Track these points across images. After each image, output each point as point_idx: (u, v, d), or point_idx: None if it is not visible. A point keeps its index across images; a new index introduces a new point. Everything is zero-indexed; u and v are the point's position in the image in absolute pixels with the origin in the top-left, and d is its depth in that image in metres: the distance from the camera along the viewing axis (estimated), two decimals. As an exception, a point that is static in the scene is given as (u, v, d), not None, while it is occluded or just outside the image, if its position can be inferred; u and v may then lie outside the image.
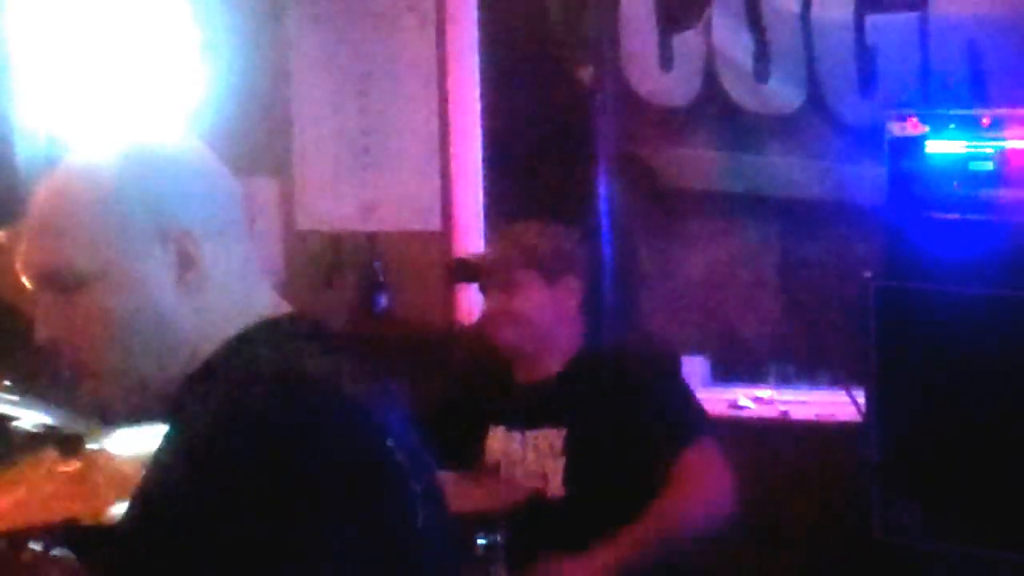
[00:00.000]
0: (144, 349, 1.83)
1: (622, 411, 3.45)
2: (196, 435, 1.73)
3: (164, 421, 1.85)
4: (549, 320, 3.58)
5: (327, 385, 1.77)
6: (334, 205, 5.33)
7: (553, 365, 3.61)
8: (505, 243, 3.70)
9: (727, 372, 5.14)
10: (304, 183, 5.36)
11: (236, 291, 1.88)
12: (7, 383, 3.90)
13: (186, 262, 1.83)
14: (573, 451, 3.48)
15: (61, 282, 1.83)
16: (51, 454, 3.87)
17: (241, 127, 5.11)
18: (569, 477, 3.46)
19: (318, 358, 1.82)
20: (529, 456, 3.53)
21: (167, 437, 1.83)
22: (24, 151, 5.24)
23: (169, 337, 1.83)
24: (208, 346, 1.84)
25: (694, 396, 3.62)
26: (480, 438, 3.62)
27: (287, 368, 1.79)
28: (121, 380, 1.85)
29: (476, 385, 3.80)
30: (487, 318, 3.68)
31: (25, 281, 1.90)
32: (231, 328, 1.85)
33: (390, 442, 1.79)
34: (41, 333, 1.86)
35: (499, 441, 3.59)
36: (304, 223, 5.36)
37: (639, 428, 3.42)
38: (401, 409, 1.89)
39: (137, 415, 1.92)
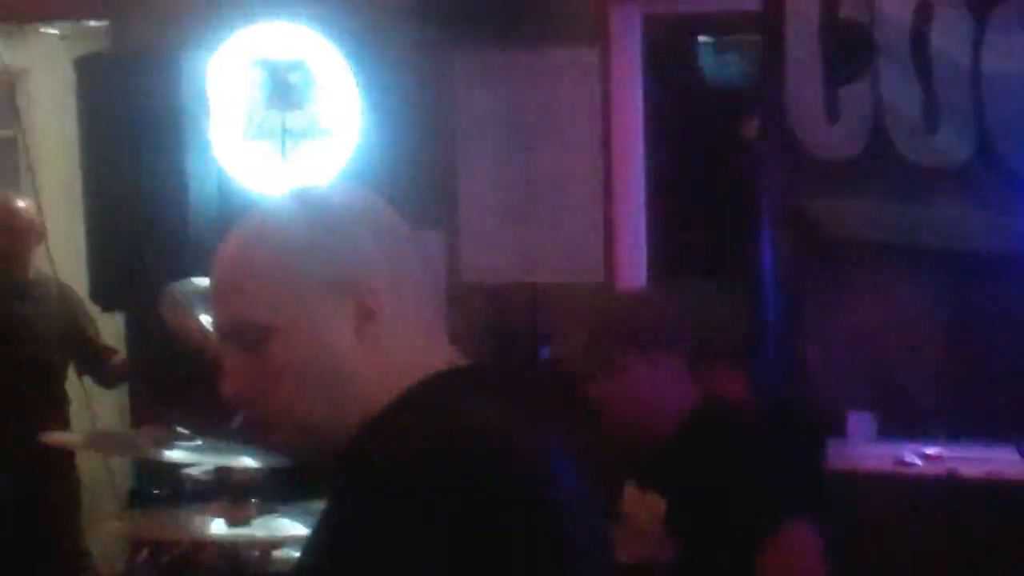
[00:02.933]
0: (324, 400, 1.87)
1: (714, 486, 3.28)
2: (366, 485, 1.77)
3: (338, 469, 1.89)
4: (653, 395, 3.46)
5: (498, 441, 1.79)
6: (498, 258, 5.37)
7: (663, 432, 3.49)
8: (600, 324, 3.61)
9: (894, 428, 5.08)
10: (469, 235, 5.41)
11: (413, 343, 1.91)
12: (183, 430, 3.99)
13: (364, 314, 1.87)
14: (674, 521, 3.40)
15: (245, 337, 1.87)
16: (222, 502, 3.95)
17: (407, 180, 5.18)
18: (674, 547, 3.40)
19: (491, 413, 1.84)
20: (646, 516, 3.45)
21: (338, 486, 1.86)
22: (196, 198, 5.36)
23: (348, 388, 1.87)
24: (386, 395, 1.87)
25: (799, 470, 3.42)
26: (620, 491, 3.58)
27: (458, 421, 1.80)
28: (300, 429, 1.89)
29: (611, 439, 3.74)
30: (598, 402, 3.58)
31: (197, 329, 1.96)
32: (407, 380, 1.88)
33: (561, 497, 1.80)
34: (228, 388, 1.91)
35: (631, 493, 3.54)
36: (469, 275, 5.41)
37: (727, 507, 3.24)
38: (575, 463, 1.90)
39: (313, 462, 1.95)
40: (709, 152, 5.30)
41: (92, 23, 6.29)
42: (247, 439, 3.59)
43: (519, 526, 1.73)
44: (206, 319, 3.85)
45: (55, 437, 4.82)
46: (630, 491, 3.56)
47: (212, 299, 1.94)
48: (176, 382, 4.49)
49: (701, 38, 5.63)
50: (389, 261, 1.90)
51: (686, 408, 3.45)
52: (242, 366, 1.89)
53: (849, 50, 4.71)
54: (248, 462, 3.91)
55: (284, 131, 5.35)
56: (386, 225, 1.93)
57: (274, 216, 1.93)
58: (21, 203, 6.05)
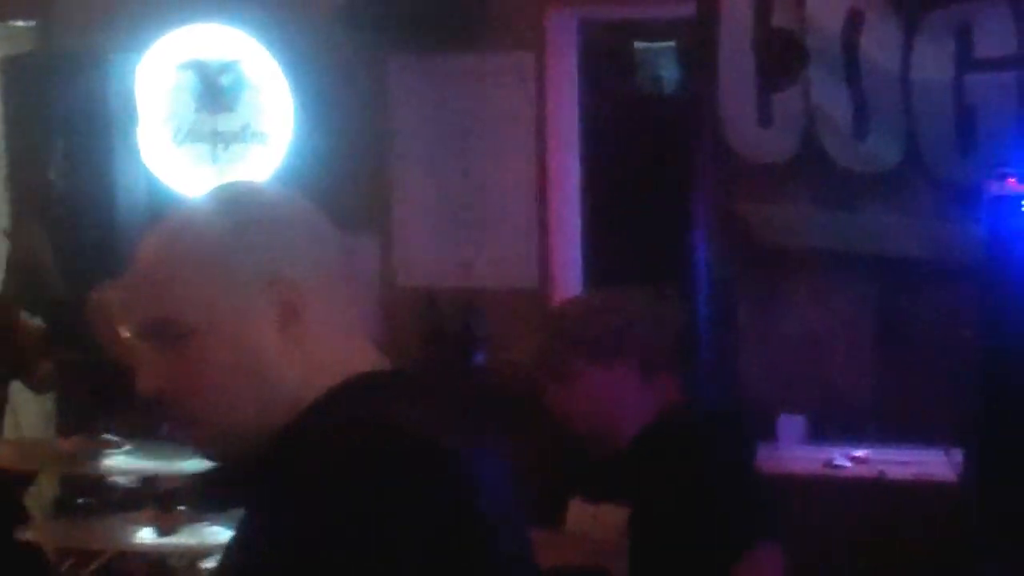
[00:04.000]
0: (246, 399, 1.85)
1: (682, 500, 3.23)
2: (288, 485, 1.75)
3: (260, 469, 1.87)
4: (611, 401, 3.43)
5: (420, 439, 1.78)
6: (432, 262, 5.37)
7: (622, 439, 3.47)
8: (551, 330, 3.57)
9: (824, 431, 5.11)
10: (403, 240, 5.40)
11: (337, 344, 1.89)
12: (110, 437, 3.96)
13: (288, 314, 1.85)
14: (635, 533, 3.38)
15: (166, 333, 1.85)
16: (150, 510, 3.93)
17: (341, 184, 5.17)
18: (632, 560, 3.39)
19: (414, 412, 1.83)
20: (599, 530, 3.43)
21: (261, 485, 1.85)
22: (125, 205, 5.32)
23: (271, 387, 1.85)
24: (310, 396, 1.85)
25: (763, 490, 3.37)
26: (563, 502, 3.56)
27: (380, 421, 1.79)
28: (222, 428, 1.87)
29: (560, 449, 3.72)
30: (551, 410, 3.56)
31: (125, 332, 1.93)
32: (331, 380, 1.86)
33: (482, 501, 1.80)
34: (144, 384, 1.88)
35: (576, 509, 3.52)
36: (403, 279, 5.39)
37: (696, 524, 3.19)
38: (499, 467, 1.90)
39: (235, 462, 1.94)
40: (644, 157, 5.32)
41: (19, 23, 6.23)
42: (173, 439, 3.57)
43: (440, 527, 1.73)
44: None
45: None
46: (575, 504, 3.54)
47: (131, 292, 1.91)
48: (103, 388, 4.45)
49: (637, 44, 5.64)
50: (314, 261, 1.89)
51: (643, 419, 3.44)
52: (161, 364, 1.86)
53: (781, 57, 4.74)
54: (177, 468, 3.88)
55: (215, 134, 5.32)
56: (311, 225, 1.92)
57: (198, 213, 1.91)
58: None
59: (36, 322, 5.26)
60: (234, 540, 1.88)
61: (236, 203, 1.91)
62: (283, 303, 1.85)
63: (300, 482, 1.74)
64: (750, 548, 3.22)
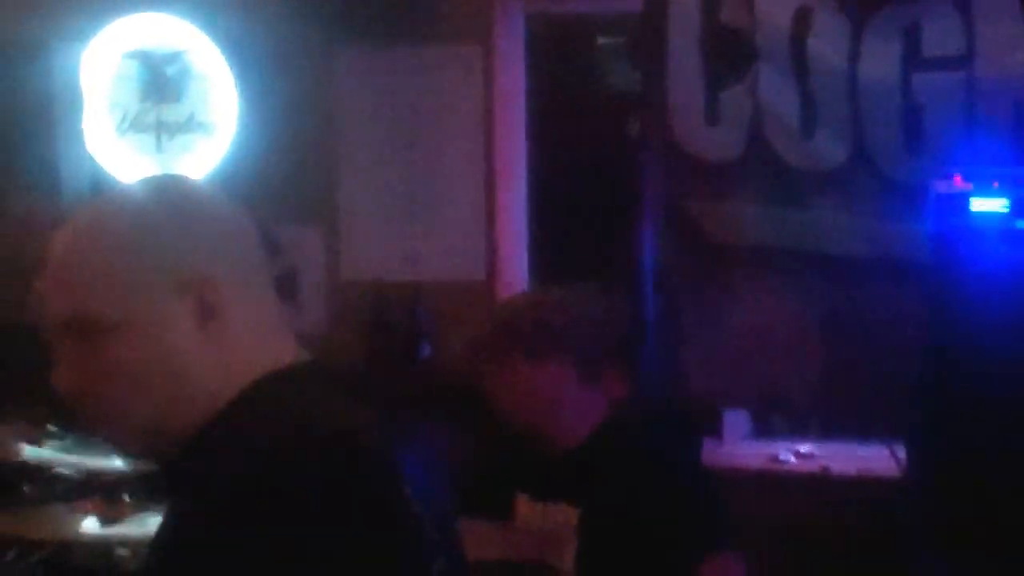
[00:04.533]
0: (163, 396, 1.85)
1: (634, 503, 3.26)
2: (211, 483, 1.75)
3: (182, 466, 1.86)
4: (544, 401, 3.43)
5: (339, 432, 1.78)
6: (379, 255, 5.35)
7: (569, 439, 3.46)
8: (494, 318, 3.56)
9: (769, 426, 5.15)
10: (349, 233, 5.39)
11: (257, 340, 1.89)
12: (52, 428, 3.93)
13: (207, 310, 1.85)
14: (585, 535, 3.38)
15: (82, 329, 1.84)
16: (94, 500, 3.90)
17: (287, 177, 5.15)
18: (580, 561, 3.38)
19: (333, 406, 1.84)
20: (548, 526, 3.43)
21: (184, 484, 1.84)
22: (69, 192, 5.28)
23: (189, 384, 1.85)
24: (228, 394, 1.85)
25: (716, 497, 3.42)
26: (512, 496, 3.55)
27: (299, 417, 1.79)
28: (139, 426, 1.87)
29: (506, 446, 3.72)
30: (492, 401, 3.55)
31: (46, 327, 1.91)
32: (250, 378, 1.86)
33: (407, 490, 1.80)
34: (60, 380, 1.87)
35: (524, 506, 3.51)
36: (349, 273, 5.38)
37: (651, 528, 3.23)
38: (424, 457, 1.90)
39: (156, 459, 1.93)
40: (592, 152, 5.33)
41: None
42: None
43: (362, 521, 1.72)
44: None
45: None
46: (523, 500, 3.53)
47: (46, 288, 1.89)
48: (43, 379, 4.41)
49: (586, 38, 5.65)
50: (232, 258, 1.89)
51: (590, 419, 3.42)
52: (77, 359, 1.85)
53: (730, 54, 4.76)
54: (117, 462, 3.87)
55: (160, 124, 5.29)
56: (230, 222, 1.92)
57: (115, 207, 1.90)
58: None
59: None
60: (158, 535, 1.87)
61: (153, 198, 1.91)
62: (201, 300, 1.84)
63: (220, 481, 1.73)
64: (708, 551, 3.24)
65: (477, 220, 5.25)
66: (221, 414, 1.84)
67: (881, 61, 4.57)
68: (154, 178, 2.03)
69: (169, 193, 1.93)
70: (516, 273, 5.30)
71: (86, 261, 1.85)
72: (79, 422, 1.93)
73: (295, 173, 5.25)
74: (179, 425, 1.85)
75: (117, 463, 3.89)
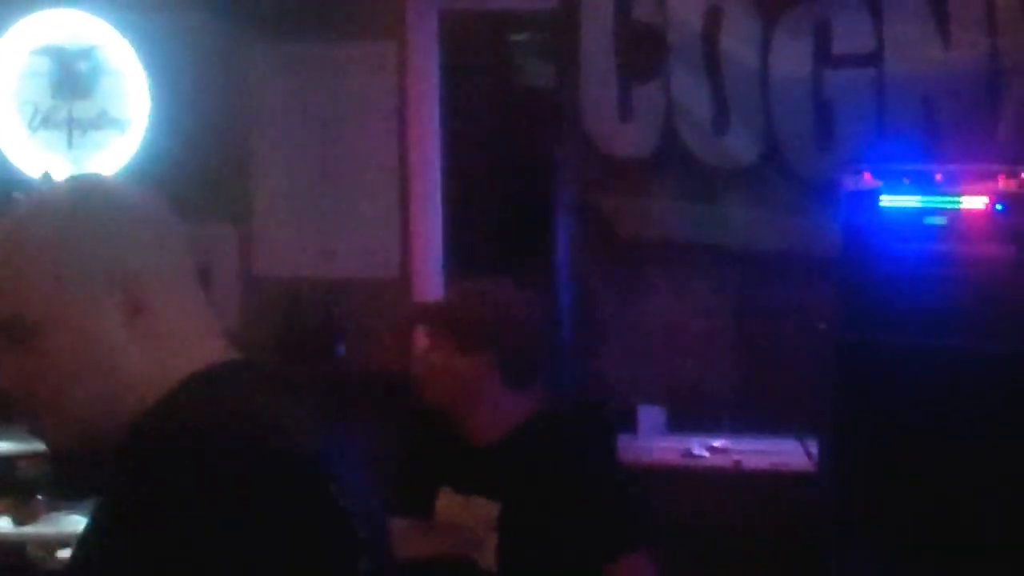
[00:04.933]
0: (94, 393, 1.84)
1: (554, 501, 3.30)
2: (139, 479, 1.74)
3: (112, 463, 1.86)
4: (465, 388, 3.46)
5: (270, 430, 1.78)
6: (293, 251, 5.34)
7: (490, 434, 3.48)
8: (442, 298, 3.62)
9: (683, 421, 5.18)
10: (263, 229, 5.37)
11: (185, 336, 1.89)
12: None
13: (133, 307, 1.84)
14: (506, 529, 3.39)
15: (12, 331, 1.83)
16: (8, 499, 3.87)
17: (199, 173, 5.12)
18: (501, 555, 3.39)
19: (263, 404, 1.83)
20: (469, 522, 3.45)
21: (113, 479, 1.82)
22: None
23: (118, 381, 1.84)
24: (157, 391, 1.84)
25: (633, 497, 3.44)
26: (432, 491, 3.56)
27: (229, 414, 1.79)
28: (70, 423, 1.85)
29: (428, 438, 3.73)
30: (415, 360, 3.59)
31: None
32: (179, 375, 1.86)
33: (334, 487, 1.80)
34: None
35: (446, 499, 3.53)
36: (263, 269, 5.36)
37: (570, 526, 3.28)
38: (350, 454, 1.90)
39: (87, 458, 1.92)
40: (505, 148, 5.34)
41: None
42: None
43: (292, 515, 1.72)
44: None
45: None
46: (445, 494, 3.54)
47: None
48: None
49: (499, 35, 5.66)
50: (158, 254, 1.89)
51: (510, 419, 3.44)
52: (8, 359, 1.85)
53: (642, 51, 4.78)
54: (35, 451, 3.83)
55: (71, 121, 5.25)
56: (154, 218, 1.92)
57: (37, 208, 1.89)
58: None
59: None
60: (86, 532, 1.87)
61: (76, 198, 1.90)
62: (127, 296, 1.84)
63: (150, 478, 1.72)
64: (623, 551, 3.27)
65: (391, 217, 5.24)
66: (151, 411, 1.84)
67: (792, 58, 4.61)
68: (76, 178, 2.04)
69: (91, 192, 1.92)
70: (430, 270, 5.30)
71: (10, 265, 1.84)
72: (12, 419, 1.93)
73: (208, 169, 5.22)
74: (111, 422, 1.84)
75: (32, 460, 3.87)
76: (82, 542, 1.87)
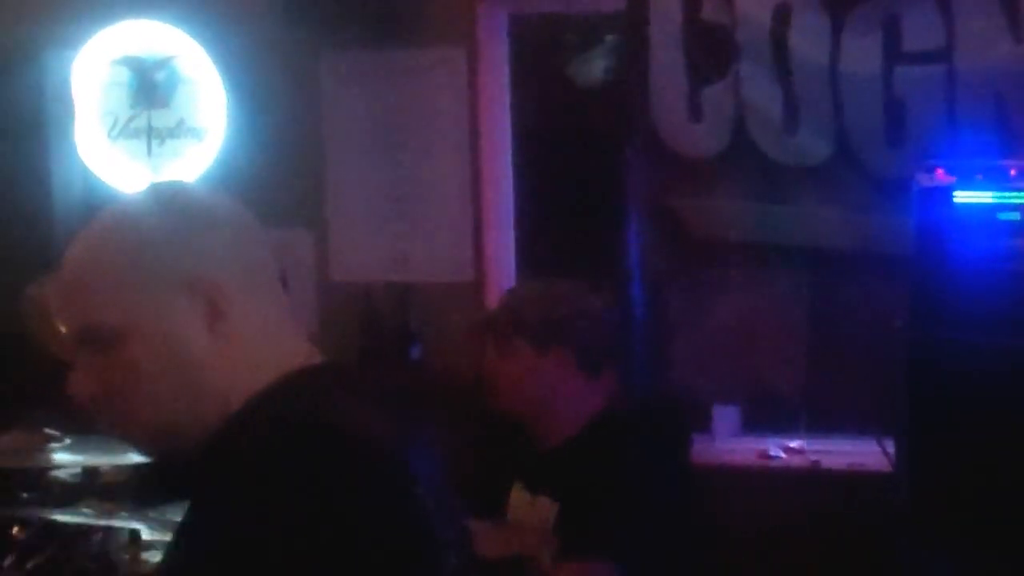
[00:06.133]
0: (177, 399, 1.87)
1: (601, 502, 3.32)
2: (226, 485, 1.77)
3: (199, 468, 1.88)
4: (542, 389, 3.45)
5: (356, 435, 1.80)
6: (367, 257, 5.37)
7: (560, 433, 3.48)
8: (502, 305, 3.61)
9: (758, 422, 5.16)
10: (338, 235, 5.41)
11: (267, 341, 1.91)
12: (49, 431, 3.94)
13: (215, 313, 1.87)
14: (562, 530, 3.41)
15: (95, 338, 1.87)
16: (90, 502, 3.92)
17: (276, 180, 5.17)
18: (564, 555, 3.38)
19: (349, 409, 1.86)
20: (534, 522, 3.45)
21: (201, 484, 1.86)
22: (61, 198, 5.30)
23: (201, 387, 1.87)
24: (240, 395, 1.87)
25: (700, 496, 3.49)
26: (504, 493, 3.57)
27: (316, 419, 1.81)
28: (154, 430, 1.89)
29: (499, 440, 3.74)
30: (483, 378, 3.58)
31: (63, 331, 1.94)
32: (263, 377, 1.88)
33: (419, 490, 1.82)
34: (76, 388, 1.90)
35: (516, 498, 3.53)
36: (338, 274, 5.40)
37: (636, 527, 3.30)
38: (433, 458, 1.92)
39: (172, 462, 1.95)
40: (576, 151, 5.34)
41: (-49, 20, 6.19)
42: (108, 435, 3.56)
43: (376, 520, 1.74)
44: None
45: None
46: (516, 493, 3.55)
47: (61, 300, 1.92)
48: (40, 384, 4.43)
49: (568, 38, 5.67)
50: (237, 259, 1.91)
51: (586, 411, 3.44)
52: (93, 367, 1.88)
53: (711, 51, 4.78)
54: (118, 461, 3.88)
55: (150, 130, 5.32)
56: (234, 223, 1.94)
57: (121, 216, 1.92)
58: None
59: None
60: (177, 537, 1.89)
61: (159, 204, 1.93)
62: (208, 302, 1.86)
63: (238, 482, 1.75)
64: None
65: (464, 221, 5.26)
66: (237, 415, 1.86)
67: (861, 56, 4.58)
68: (157, 185, 2.05)
69: (171, 199, 1.95)
70: (504, 273, 5.32)
71: (93, 273, 1.88)
72: (98, 426, 1.96)
73: (284, 176, 5.27)
74: (195, 426, 1.87)
75: (116, 465, 3.91)
76: (174, 544, 1.90)
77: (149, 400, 1.87)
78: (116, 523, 3.67)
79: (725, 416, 5.13)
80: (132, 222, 1.90)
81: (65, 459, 3.87)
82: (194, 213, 1.92)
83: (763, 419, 5.14)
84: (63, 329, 1.95)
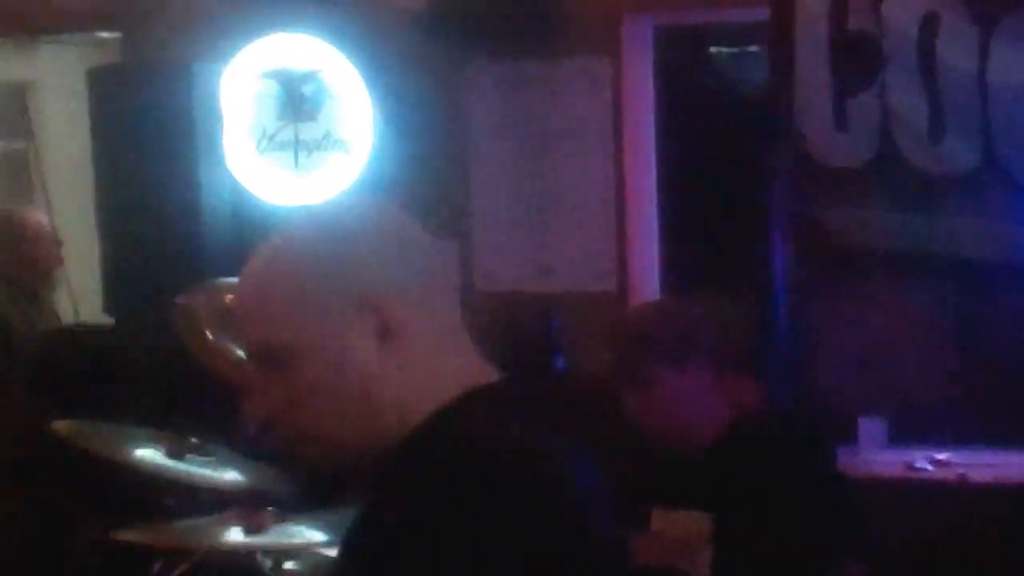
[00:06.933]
0: (352, 417, 1.88)
1: (768, 512, 3.26)
2: (402, 506, 1.79)
3: (373, 487, 1.91)
4: (685, 403, 3.43)
5: (527, 457, 1.81)
6: (511, 267, 5.40)
7: (700, 442, 3.46)
8: (625, 338, 3.57)
9: (905, 433, 5.10)
10: (482, 245, 5.45)
11: (439, 357, 1.91)
12: (195, 441, 4.00)
13: (387, 330, 1.87)
14: (722, 540, 3.40)
15: (270, 357, 1.89)
16: (238, 510, 3.97)
17: (420, 191, 5.21)
18: (717, 567, 3.37)
19: (518, 429, 1.86)
20: (681, 535, 3.43)
21: (373, 502, 1.89)
22: (210, 209, 5.39)
23: (374, 403, 1.88)
24: (415, 413, 1.88)
25: (849, 506, 3.45)
26: (646, 507, 3.56)
27: (491, 444, 1.82)
28: (332, 447, 1.91)
29: (640, 454, 3.72)
30: (628, 416, 3.55)
31: (223, 349, 1.98)
32: (437, 396, 1.88)
33: (588, 511, 1.84)
34: (258, 407, 1.93)
35: (659, 513, 3.52)
36: (483, 284, 5.43)
37: (785, 536, 3.23)
38: (596, 476, 1.92)
39: (351, 480, 1.98)
40: (720, 161, 5.33)
41: (104, 34, 6.33)
42: (274, 450, 3.61)
43: (547, 539, 1.75)
44: (215, 331, 3.88)
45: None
46: (657, 508, 3.54)
47: (239, 322, 1.96)
48: (186, 392, 4.51)
49: (712, 48, 5.66)
50: (409, 275, 1.90)
51: (720, 422, 3.43)
52: (270, 386, 1.90)
53: (858, 60, 4.74)
54: (259, 471, 3.93)
55: (297, 142, 5.39)
56: (405, 238, 1.93)
57: (292, 237, 1.93)
58: (38, 216, 6.10)
59: None
60: (344, 552, 1.92)
61: (326, 223, 1.94)
62: (380, 321, 1.87)
63: (417, 503, 1.78)
64: (840, 563, 3.24)
65: (608, 231, 5.27)
66: (415, 435, 1.87)
67: (1010, 64, 4.52)
68: (323, 204, 2.06)
69: (342, 216, 1.96)
70: (647, 283, 5.32)
71: (269, 292, 1.89)
72: (275, 445, 1.99)
73: (429, 186, 5.31)
74: (369, 443, 1.89)
75: (258, 476, 3.96)
76: (346, 553, 1.93)
77: (322, 418, 1.88)
78: (267, 539, 3.72)
79: (871, 428, 5.08)
80: (302, 240, 1.91)
81: (208, 470, 3.93)
82: (363, 230, 1.92)
83: (910, 431, 5.08)
84: (244, 351, 1.99)
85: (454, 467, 1.78)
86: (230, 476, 3.99)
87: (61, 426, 3.93)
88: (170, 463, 3.91)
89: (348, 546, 1.92)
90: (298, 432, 1.91)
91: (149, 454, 3.94)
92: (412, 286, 1.90)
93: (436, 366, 1.90)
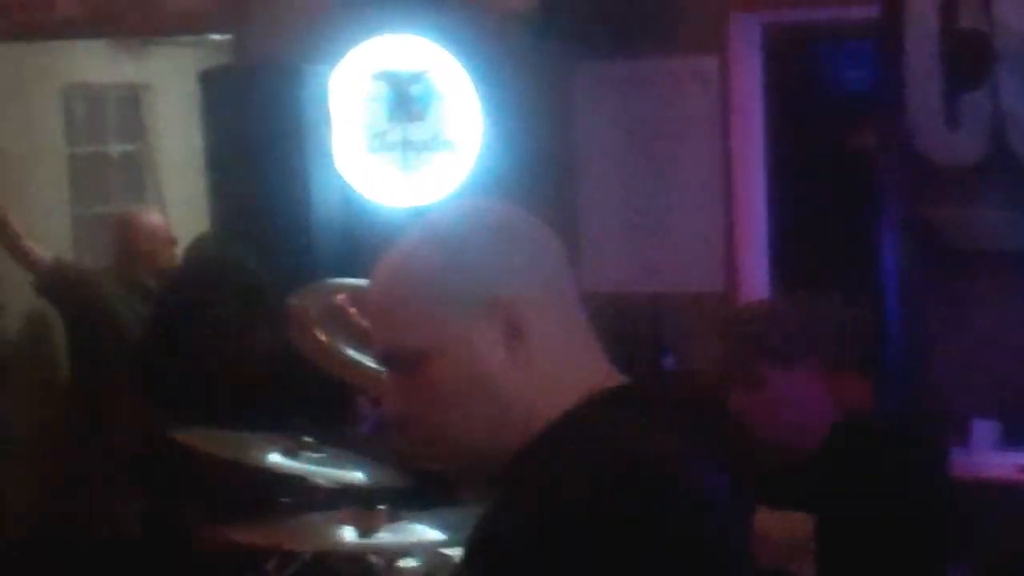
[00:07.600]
0: (480, 419, 1.89)
1: (876, 514, 3.24)
2: (531, 507, 1.79)
3: (500, 487, 1.92)
4: (795, 403, 3.41)
5: (659, 466, 1.82)
6: (619, 267, 5.40)
7: (811, 442, 3.44)
8: (736, 338, 3.52)
9: (1018, 435, 5.05)
10: (590, 245, 5.45)
11: (566, 358, 1.92)
12: (308, 439, 4.05)
13: (513, 331, 1.88)
14: (825, 542, 3.38)
15: (401, 361, 1.91)
16: (351, 509, 4.01)
17: (528, 191, 5.22)
18: (823, 569, 3.36)
19: (653, 436, 1.86)
20: (784, 536, 3.42)
21: (499, 502, 1.88)
22: (319, 210, 5.44)
23: (502, 404, 1.89)
24: (542, 415, 1.88)
25: (957, 508, 3.40)
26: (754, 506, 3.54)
27: (620, 448, 1.83)
28: (459, 448, 1.92)
29: (743, 455, 3.70)
30: (741, 415, 3.54)
31: (333, 348, 2.01)
32: (564, 397, 1.89)
33: (718, 523, 1.85)
34: (388, 407, 1.95)
35: (761, 514, 3.50)
36: (590, 284, 5.42)
37: (895, 539, 3.22)
38: (723, 477, 1.93)
39: (478, 480, 1.99)
40: (830, 160, 5.30)
41: (216, 36, 6.41)
42: (399, 450, 3.63)
43: (677, 546, 1.77)
44: (326, 331, 3.92)
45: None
46: (759, 509, 3.53)
47: (372, 323, 1.98)
48: (298, 390, 4.55)
49: (821, 47, 5.63)
50: (536, 276, 1.91)
51: (828, 422, 3.41)
52: (400, 388, 1.92)
53: (969, 58, 4.70)
54: (367, 476, 3.95)
55: (406, 143, 5.43)
56: (528, 240, 1.94)
57: (419, 240, 1.94)
58: (153, 216, 6.19)
59: None
60: (466, 556, 1.93)
61: (456, 225, 1.95)
62: (507, 322, 1.88)
63: (541, 500, 1.78)
64: (945, 564, 3.22)
65: (716, 231, 5.26)
66: (541, 438, 1.88)
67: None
68: (450, 206, 2.06)
69: (471, 218, 1.96)
70: (756, 283, 5.30)
71: (397, 297, 1.91)
72: (401, 446, 2.01)
73: (536, 186, 5.31)
74: (498, 445, 1.90)
75: (370, 476, 3.99)
76: (471, 556, 1.94)
77: (452, 419, 1.90)
78: (379, 539, 3.74)
79: (984, 429, 5.03)
80: (431, 243, 1.92)
81: (321, 468, 3.97)
82: (492, 232, 1.93)
83: (1022, 433, 5.02)
84: (373, 351, 2.01)
85: (589, 469, 1.78)
86: (344, 474, 4.02)
87: (180, 431, 3.98)
88: (287, 462, 3.95)
89: (475, 546, 1.93)
90: (428, 433, 1.93)
91: (267, 454, 3.98)
92: (539, 286, 1.91)
93: (563, 366, 1.91)
